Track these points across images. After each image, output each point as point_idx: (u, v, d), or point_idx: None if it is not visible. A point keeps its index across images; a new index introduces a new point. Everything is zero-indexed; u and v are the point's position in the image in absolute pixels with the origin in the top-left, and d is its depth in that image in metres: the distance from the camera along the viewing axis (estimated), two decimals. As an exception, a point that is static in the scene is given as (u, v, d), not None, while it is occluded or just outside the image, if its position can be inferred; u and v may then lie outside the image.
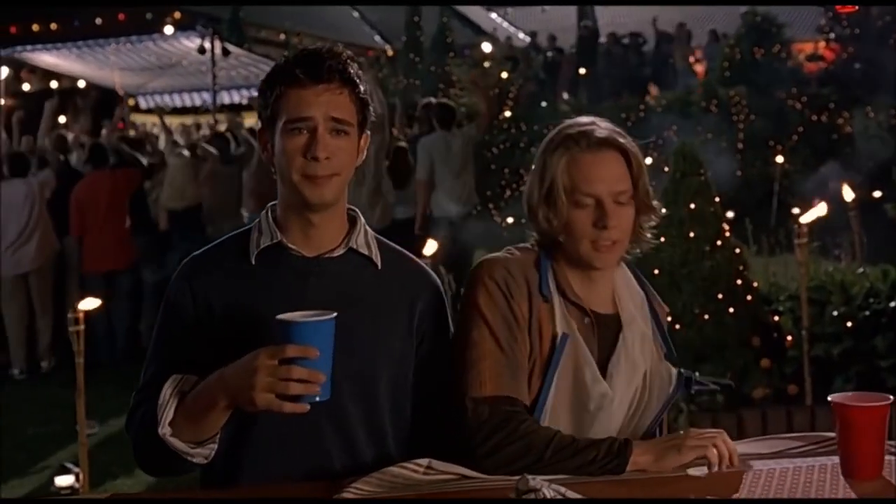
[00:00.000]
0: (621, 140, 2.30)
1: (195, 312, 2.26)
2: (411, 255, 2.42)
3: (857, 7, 16.26)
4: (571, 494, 1.87)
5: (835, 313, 5.78)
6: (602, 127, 2.32)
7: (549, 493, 1.83)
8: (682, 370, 2.39)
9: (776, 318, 5.99)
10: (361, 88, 2.24)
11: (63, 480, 5.56)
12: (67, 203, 9.15)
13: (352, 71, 2.23)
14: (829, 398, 2.08)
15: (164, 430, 2.12)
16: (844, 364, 5.67)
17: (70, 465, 5.75)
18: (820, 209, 5.55)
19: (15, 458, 6.81)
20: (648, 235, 2.38)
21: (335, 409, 2.22)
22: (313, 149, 2.17)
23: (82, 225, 9.00)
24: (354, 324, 2.23)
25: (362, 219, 2.35)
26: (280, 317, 2.00)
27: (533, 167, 2.36)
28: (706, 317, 5.83)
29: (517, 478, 1.89)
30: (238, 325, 2.19)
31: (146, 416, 2.17)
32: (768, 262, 6.78)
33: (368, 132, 2.31)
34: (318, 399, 2.01)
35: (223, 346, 2.13)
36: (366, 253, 2.31)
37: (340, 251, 2.29)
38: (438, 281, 2.41)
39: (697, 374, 2.44)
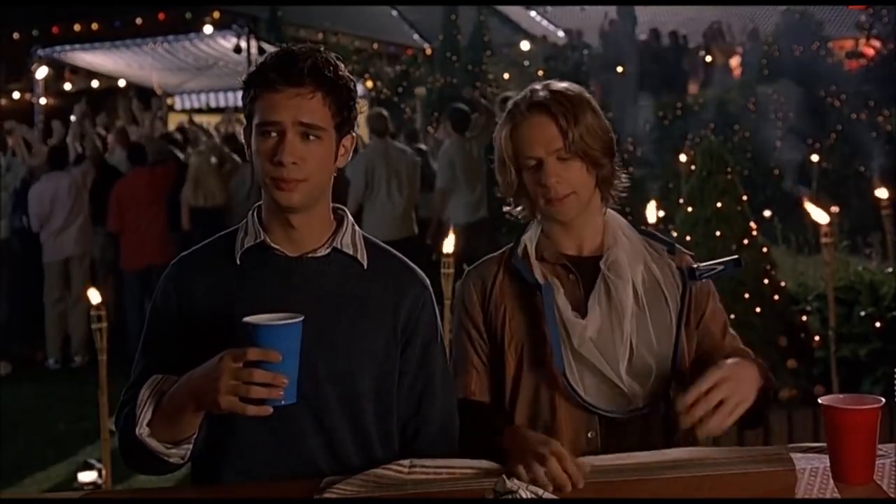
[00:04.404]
0: (550, 103, 2.43)
1: (179, 313, 2.27)
2: (400, 255, 2.40)
3: (865, 6, 16.04)
4: (548, 496, 1.86)
5: (862, 314, 5.69)
6: (541, 91, 2.47)
7: (525, 494, 1.82)
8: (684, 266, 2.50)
9: (804, 318, 5.91)
10: (339, 91, 2.20)
11: (86, 476, 5.60)
12: (105, 197, 9.33)
13: (328, 73, 2.18)
14: (819, 400, 2.04)
15: (142, 430, 2.14)
16: (872, 365, 5.59)
17: (94, 462, 5.80)
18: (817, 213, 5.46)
19: (44, 453, 6.89)
20: (619, 186, 2.53)
21: (318, 408, 2.22)
22: (280, 153, 2.15)
23: (121, 222, 9.12)
24: (337, 324, 2.23)
25: (350, 218, 2.34)
26: (246, 319, 1.99)
27: None
28: (732, 316, 5.71)
29: (496, 479, 1.88)
30: (222, 324, 2.18)
31: (128, 416, 2.18)
32: (797, 262, 6.70)
33: (354, 134, 2.29)
34: (282, 403, 1.99)
35: (208, 345, 2.11)
36: (351, 253, 2.30)
37: (325, 251, 2.28)
38: (427, 281, 2.39)
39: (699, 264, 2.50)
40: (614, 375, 2.39)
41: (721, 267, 2.49)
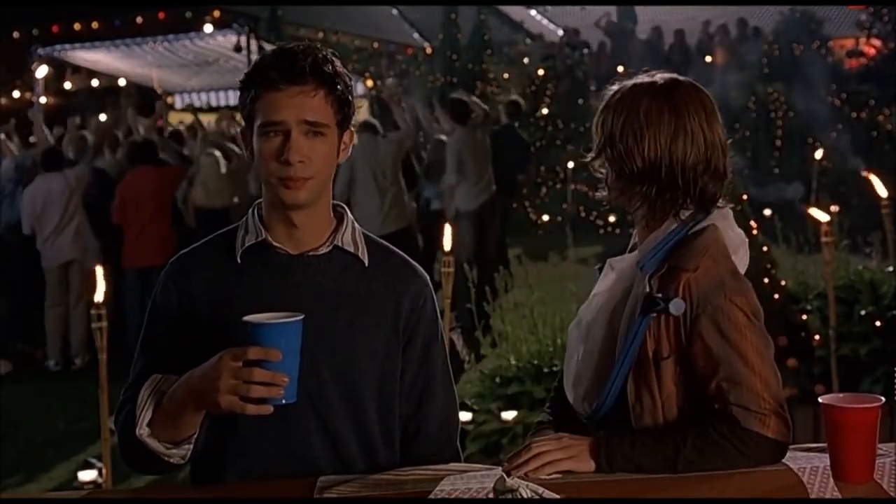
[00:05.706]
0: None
1: (179, 311, 2.27)
2: (401, 252, 2.39)
3: (865, 6, 16.05)
4: (549, 494, 1.86)
5: (863, 313, 5.70)
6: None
7: (525, 493, 1.82)
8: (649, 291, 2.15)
9: (804, 317, 5.91)
10: (340, 87, 2.20)
11: (86, 475, 5.60)
12: (101, 202, 9.33)
13: (328, 70, 2.18)
14: (819, 399, 2.03)
15: (142, 430, 2.13)
16: (872, 364, 5.59)
17: (94, 461, 5.80)
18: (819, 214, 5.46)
19: (44, 453, 6.89)
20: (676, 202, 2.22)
21: (321, 408, 2.22)
22: (286, 153, 2.15)
23: (124, 218, 9.11)
24: (338, 323, 2.22)
25: (350, 215, 2.33)
26: (246, 318, 1.99)
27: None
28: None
29: (497, 477, 1.89)
30: (222, 322, 2.18)
31: (128, 416, 2.18)
32: (797, 261, 6.70)
33: (353, 129, 2.29)
34: (283, 402, 1.99)
35: (207, 343, 2.11)
36: (351, 250, 2.28)
37: (326, 249, 2.27)
38: (427, 278, 2.38)
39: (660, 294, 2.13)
40: (567, 380, 2.34)
41: (661, 305, 2.13)
